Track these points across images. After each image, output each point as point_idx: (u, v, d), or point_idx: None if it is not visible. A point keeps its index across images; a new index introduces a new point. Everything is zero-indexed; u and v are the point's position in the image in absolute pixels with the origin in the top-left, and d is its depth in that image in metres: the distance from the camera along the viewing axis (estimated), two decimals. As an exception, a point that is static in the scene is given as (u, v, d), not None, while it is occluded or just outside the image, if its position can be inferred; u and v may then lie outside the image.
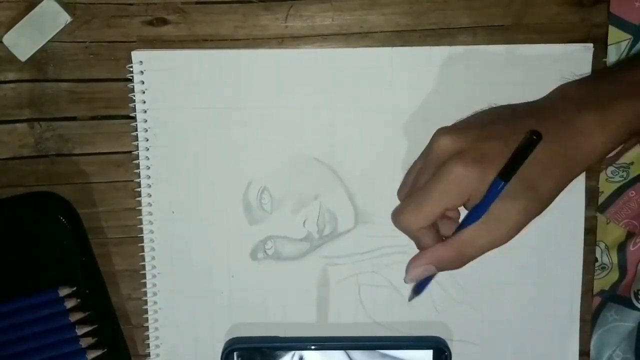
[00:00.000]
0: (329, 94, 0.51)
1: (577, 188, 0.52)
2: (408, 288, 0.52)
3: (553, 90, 0.48)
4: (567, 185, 0.44)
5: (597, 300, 0.55)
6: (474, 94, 0.50)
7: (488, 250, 0.44)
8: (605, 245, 0.55)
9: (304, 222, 0.52)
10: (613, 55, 0.52)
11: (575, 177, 0.44)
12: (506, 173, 0.41)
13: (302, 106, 0.51)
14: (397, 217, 0.46)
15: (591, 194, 0.52)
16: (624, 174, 0.53)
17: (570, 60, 0.50)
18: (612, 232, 0.55)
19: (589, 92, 0.45)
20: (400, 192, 0.50)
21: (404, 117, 0.51)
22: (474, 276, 0.52)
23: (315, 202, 0.52)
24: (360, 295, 0.53)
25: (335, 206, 0.52)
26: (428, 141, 0.50)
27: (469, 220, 0.44)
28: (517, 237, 0.51)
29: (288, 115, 0.51)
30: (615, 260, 0.55)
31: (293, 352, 0.52)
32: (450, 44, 0.51)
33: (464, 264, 0.45)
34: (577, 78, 0.49)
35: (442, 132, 0.45)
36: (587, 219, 0.52)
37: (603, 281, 0.55)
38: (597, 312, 0.55)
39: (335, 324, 0.53)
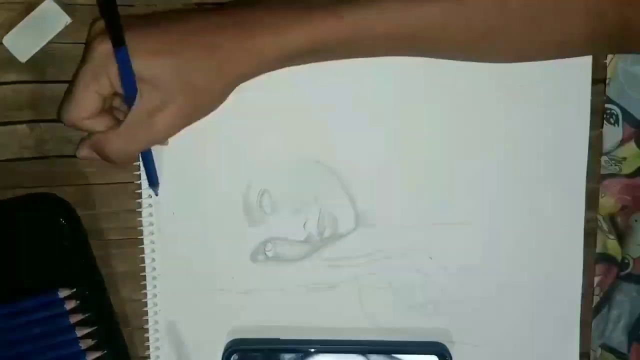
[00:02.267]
0: (330, 95, 0.51)
1: (577, 189, 0.52)
2: (408, 289, 0.52)
3: None
4: (235, 84, 0.44)
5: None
6: (475, 95, 0.50)
7: (150, 144, 0.44)
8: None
9: (304, 224, 0.52)
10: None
11: (245, 76, 0.43)
12: (114, 38, 0.40)
13: (303, 107, 0.51)
14: (58, 112, 0.44)
15: (591, 196, 0.52)
16: (617, 168, 0.53)
17: (571, 63, 0.50)
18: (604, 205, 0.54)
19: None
20: None
21: (405, 118, 0.51)
22: (473, 277, 0.53)
23: (315, 204, 0.52)
24: (361, 297, 0.53)
25: (335, 208, 0.52)
26: (429, 143, 0.50)
27: (125, 102, 0.43)
28: (516, 238, 0.52)
29: (288, 116, 0.51)
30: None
31: (294, 354, 0.52)
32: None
33: (130, 156, 0.45)
34: (573, 80, 0.49)
35: (97, 16, 0.45)
36: (587, 220, 0.52)
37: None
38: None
39: (336, 326, 0.53)
